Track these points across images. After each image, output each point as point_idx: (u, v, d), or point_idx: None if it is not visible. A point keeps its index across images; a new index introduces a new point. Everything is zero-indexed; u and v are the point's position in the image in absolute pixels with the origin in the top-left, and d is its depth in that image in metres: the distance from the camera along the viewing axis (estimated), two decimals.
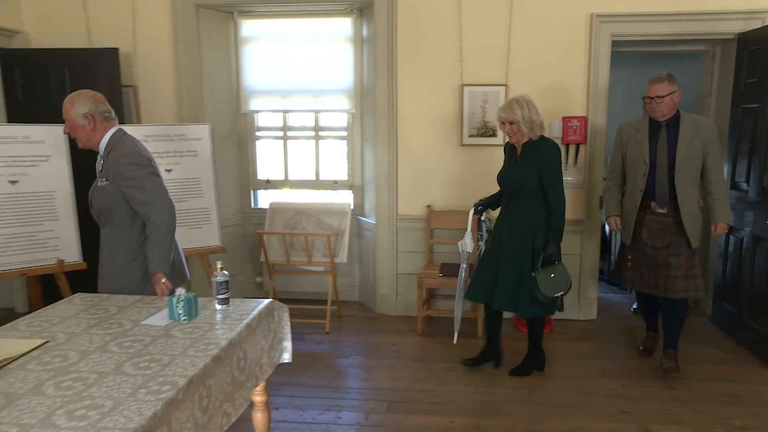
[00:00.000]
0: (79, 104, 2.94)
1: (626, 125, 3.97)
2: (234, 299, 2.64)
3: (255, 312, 2.52)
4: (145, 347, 2.15)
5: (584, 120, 4.68)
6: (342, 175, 5.48)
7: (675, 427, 3.24)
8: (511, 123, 3.58)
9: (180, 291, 2.43)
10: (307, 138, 5.45)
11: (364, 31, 5.09)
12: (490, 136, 4.79)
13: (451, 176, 4.90)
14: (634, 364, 4.05)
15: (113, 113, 3.04)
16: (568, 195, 4.77)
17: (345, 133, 5.39)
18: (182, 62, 4.99)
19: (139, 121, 5.00)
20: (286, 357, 2.75)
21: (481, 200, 3.95)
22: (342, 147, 5.45)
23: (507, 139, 3.84)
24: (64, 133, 3.05)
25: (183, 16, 4.92)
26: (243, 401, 2.29)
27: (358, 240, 5.39)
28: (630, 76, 6.09)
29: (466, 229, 3.94)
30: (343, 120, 5.37)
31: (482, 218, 3.91)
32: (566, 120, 4.70)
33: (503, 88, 4.72)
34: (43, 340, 2.22)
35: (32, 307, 4.18)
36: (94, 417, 1.64)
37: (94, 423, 1.61)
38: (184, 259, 3.32)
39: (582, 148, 4.75)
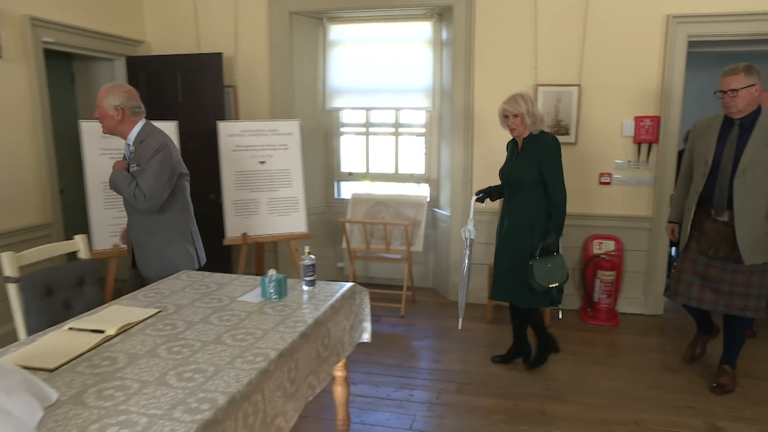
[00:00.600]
0: (113, 96, 3.01)
1: (700, 121, 3.48)
2: (319, 281, 2.73)
3: (338, 294, 2.60)
4: (241, 321, 2.27)
5: (657, 120, 4.51)
6: (419, 169, 5.52)
7: (743, 425, 3.10)
8: (515, 116, 3.47)
9: (271, 272, 2.54)
10: (388, 134, 5.52)
11: (443, 35, 5.09)
12: (563, 134, 4.70)
13: None
14: (700, 360, 3.88)
15: (142, 108, 3.13)
16: (639, 192, 4.66)
17: (423, 130, 5.42)
18: (276, 64, 5.15)
19: (237, 118, 5.21)
20: (366, 337, 2.81)
21: (482, 189, 3.85)
22: (420, 143, 5.49)
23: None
24: (94, 117, 3.13)
25: (278, 22, 5.08)
26: (326, 375, 2.37)
27: (433, 230, 5.42)
28: (705, 76, 5.79)
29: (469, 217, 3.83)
30: (421, 117, 5.41)
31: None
32: (639, 119, 4.54)
33: (576, 88, 4.62)
34: (157, 310, 2.39)
35: None
36: (200, 380, 1.77)
37: (199, 385, 1.73)
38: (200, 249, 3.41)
39: (654, 147, 4.58)
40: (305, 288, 2.63)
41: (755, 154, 3.12)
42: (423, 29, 5.16)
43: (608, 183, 4.71)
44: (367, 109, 5.49)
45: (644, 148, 4.60)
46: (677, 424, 3.11)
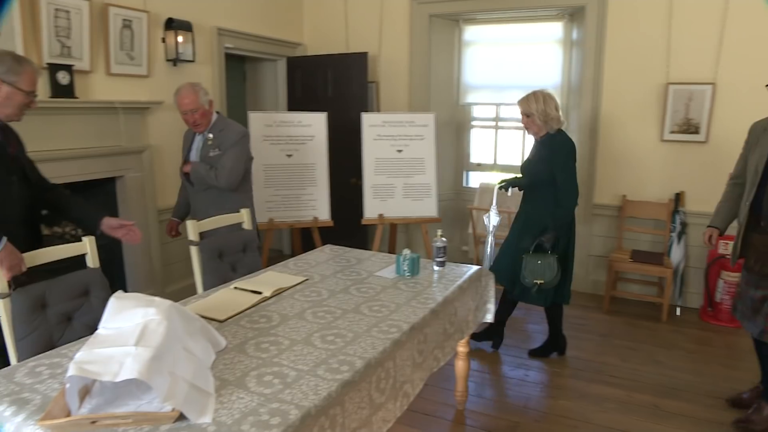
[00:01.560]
0: (202, 92, 3.04)
1: (758, 123, 2.75)
2: (448, 263, 2.70)
3: (466, 276, 2.56)
4: (376, 294, 2.30)
5: None
6: None
7: None
8: (528, 115, 3.18)
9: (406, 252, 2.54)
10: (516, 128, 5.32)
11: (574, 34, 4.79)
12: (692, 133, 4.25)
13: (649, 169, 4.45)
14: None
15: None
16: None
17: None
18: (415, 62, 5.13)
19: (378, 110, 5.28)
20: (489, 317, 2.75)
21: (506, 179, 3.49)
22: None
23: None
24: (192, 124, 3.10)
25: (419, 24, 5.06)
26: (450, 350, 2.35)
27: None
28: None
29: (493, 204, 3.54)
30: None
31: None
32: None
33: (710, 86, 4.13)
34: (304, 278, 2.50)
35: (294, 251, 4.69)
36: (340, 344, 1.81)
37: (340, 348, 1.78)
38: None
39: None
40: (436, 268, 2.62)
41: None
42: (554, 29, 4.90)
43: None
44: (497, 105, 5.32)
45: None
46: None
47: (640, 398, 3.06)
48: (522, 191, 3.50)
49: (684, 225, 4.26)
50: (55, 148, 3.30)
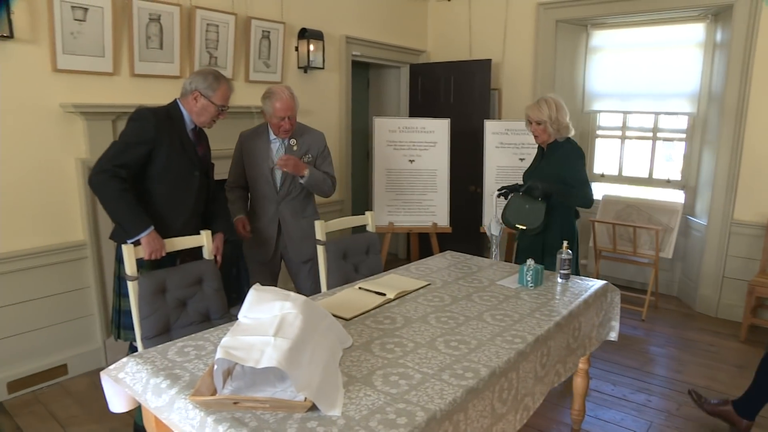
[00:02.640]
0: (297, 99, 2.89)
1: None
2: (573, 276, 2.58)
3: (591, 290, 2.42)
4: (499, 303, 2.25)
5: None
6: (675, 174, 4.87)
7: None
8: (539, 123, 2.95)
9: (530, 262, 2.46)
10: (644, 138, 4.97)
11: (718, 36, 4.37)
12: None
13: None
14: None
15: None
16: None
17: (683, 135, 4.76)
18: (539, 69, 4.98)
19: (499, 118, 5.18)
20: (613, 336, 2.58)
21: (505, 185, 3.22)
22: (678, 148, 4.83)
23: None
24: (284, 130, 2.89)
25: (544, 30, 4.90)
26: (572, 366, 2.23)
27: (684, 238, 4.75)
28: None
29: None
30: (682, 122, 4.75)
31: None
32: None
33: None
34: (427, 283, 2.50)
35: (410, 256, 4.71)
36: (464, 350, 1.79)
37: (464, 354, 1.76)
38: None
39: None
40: (560, 280, 2.51)
41: None
42: (693, 31, 4.51)
43: None
44: (624, 113, 5.01)
45: None
46: None
47: None
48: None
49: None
50: None
